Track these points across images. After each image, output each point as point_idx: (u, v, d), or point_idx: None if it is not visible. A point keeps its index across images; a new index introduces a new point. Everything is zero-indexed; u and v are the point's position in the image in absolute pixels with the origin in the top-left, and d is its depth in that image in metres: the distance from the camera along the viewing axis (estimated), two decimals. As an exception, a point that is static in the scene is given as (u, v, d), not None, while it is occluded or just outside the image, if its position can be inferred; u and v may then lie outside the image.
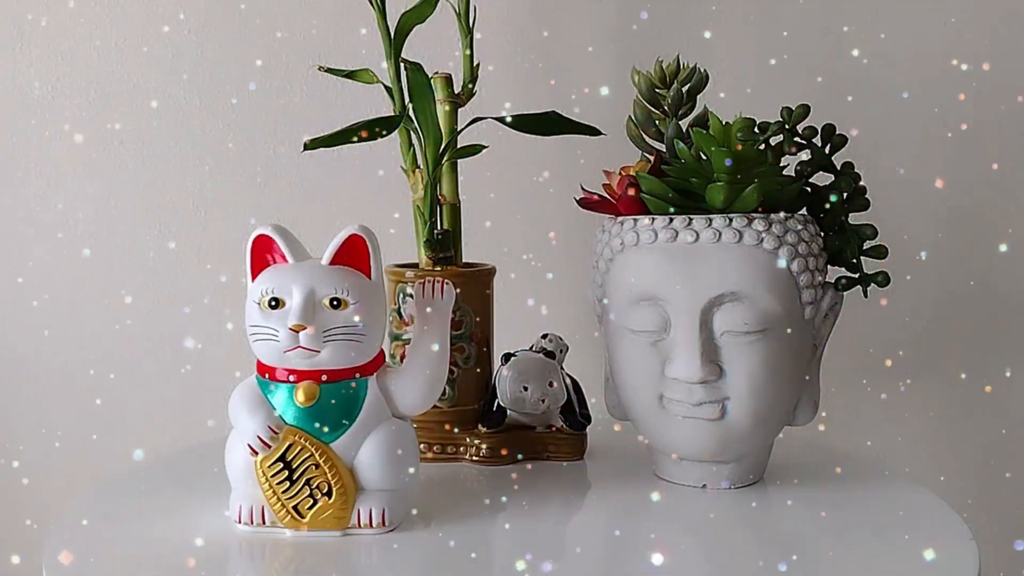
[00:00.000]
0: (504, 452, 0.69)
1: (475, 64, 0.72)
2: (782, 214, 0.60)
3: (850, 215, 0.63)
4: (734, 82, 0.89)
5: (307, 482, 0.54)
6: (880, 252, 0.63)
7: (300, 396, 0.54)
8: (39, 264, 0.92)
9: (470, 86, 0.72)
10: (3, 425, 0.94)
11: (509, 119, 0.71)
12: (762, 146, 0.62)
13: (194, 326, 0.93)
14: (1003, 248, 0.95)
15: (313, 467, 0.54)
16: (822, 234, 0.63)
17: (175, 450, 0.72)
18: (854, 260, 0.63)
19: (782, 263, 0.59)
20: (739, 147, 0.59)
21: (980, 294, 0.95)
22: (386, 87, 0.71)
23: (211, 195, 0.92)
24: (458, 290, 0.62)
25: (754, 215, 0.60)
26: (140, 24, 0.90)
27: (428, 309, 0.59)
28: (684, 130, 0.66)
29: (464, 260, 0.74)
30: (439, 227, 0.72)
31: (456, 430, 0.70)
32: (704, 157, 0.61)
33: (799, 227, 0.61)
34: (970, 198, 0.94)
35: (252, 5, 0.91)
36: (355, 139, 0.68)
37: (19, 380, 0.93)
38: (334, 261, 0.54)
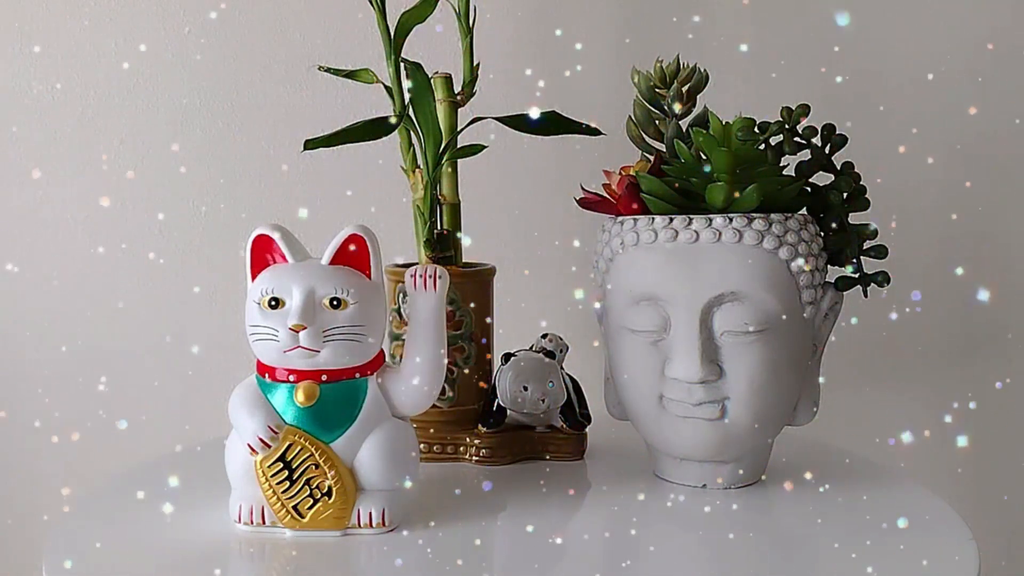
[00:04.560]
0: (504, 452, 0.69)
1: (475, 64, 0.72)
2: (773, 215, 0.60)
3: (850, 215, 0.63)
4: (734, 82, 0.89)
5: (307, 482, 0.54)
6: (880, 252, 0.63)
7: (300, 396, 0.54)
8: (38, 263, 0.92)
9: (470, 86, 0.72)
10: (3, 425, 0.94)
11: (509, 119, 0.71)
12: (762, 146, 0.62)
13: (194, 326, 0.93)
14: (1004, 248, 0.95)
15: (313, 467, 0.54)
16: (822, 234, 0.63)
17: (175, 450, 0.72)
18: (854, 260, 0.63)
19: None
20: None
21: (980, 294, 0.95)
22: (386, 87, 0.71)
23: (211, 194, 0.92)
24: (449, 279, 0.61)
25: (754, 215, 0.60)
26: (140, 24, 0.90)
27: (421, 301, 0.57)
28: (684, 130, 0.66)
29: (464, 260, 0.74)
30: (439, 227, 0.72)
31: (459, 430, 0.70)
32: (704, 157, 0.61)
33: (799, 227, 0.61)
34: (971, 197, 0.94)
35: (252, 5, 0.91)
36: (355, 139, 0.68)
37: (19, 379, 0.93)
38: (334, 261, 0.54)
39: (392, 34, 0.70)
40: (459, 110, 0.72)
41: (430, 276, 0.57)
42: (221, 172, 0.92)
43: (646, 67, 0.68)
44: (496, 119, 0.71)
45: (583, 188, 0.67)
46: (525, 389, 0.68)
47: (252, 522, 0.55)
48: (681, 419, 0.61)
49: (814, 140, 0.63)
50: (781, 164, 0.64)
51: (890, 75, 0.92)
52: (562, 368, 0.70)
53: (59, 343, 0.93)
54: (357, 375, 0.55)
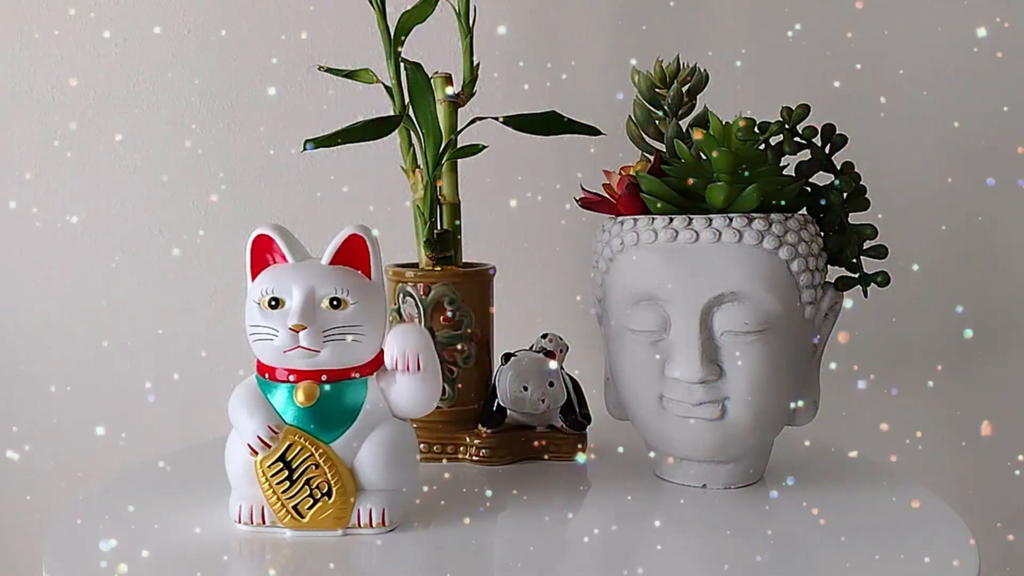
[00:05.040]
0: (503, 451, 0.69)
1: (475, 64, 0.72)
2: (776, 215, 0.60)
3: (850, 215, 0.63)
4: (734, 82, 0.89)
5: (307, 482, 0.54)
6: (880, 252, 0.63)
7: (300, 396, 0.54)
8: (38, 264, 0.92)
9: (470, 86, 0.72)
10: (4, 425, 0.94)
11: (509, 119, 0.71)
12: (762, 146, 0.62)
13: (194, 326, 0.93)
14: (1003, 248, 0.95)
15: (313, 467, 0.54)
16: (822, 234, 0.63)
17: (175, 450, 0.72)
18: (854, 260, 0.63)
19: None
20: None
21: (980, 294, 0.95)
22: (386, 87, 0.72)
23: (211, 195, 0.92)
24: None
25: (754, 215, 0.60)
26: (140, 23, 0.90)
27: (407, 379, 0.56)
28: (684, 130, 0.66)
29: (464, 260, 0.74)
30: (439, 227, 0.72)
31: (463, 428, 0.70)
32: (704, 157, 0.61)
33: (799, 227, 0.61)
34: (970, 197, 0.94)
35: (252, 5, 0.91)
36: (355, 139, 0.68)
37: (19, 379, 0.93)
38: (334, 261, 0.54)
39: (392, 34, 0.70)
40: (459, 110, 0.72)
41: (413, 365, 0.55)
42: (221, 172, 0.92)
43: (646, 67, 0.68)
44: (496, 119, 0.71)
45: (583, 188, 0.67)
46: (525, 389, 0.68)
47: (252, 522, 0.55)
48: (681, 419, 0.61)
49: (814, 140, 0.63)
50: (781, 164, 0.64)
51: (890, 74, 0.92)
52: (562, 368, 0.70)
53: (58, 343, 0.93)
54: (357, 375, 0.55)
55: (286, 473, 0.54)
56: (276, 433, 0.54)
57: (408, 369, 0.55)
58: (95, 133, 0.91)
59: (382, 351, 0.57)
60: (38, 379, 0.93)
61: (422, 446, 0.69)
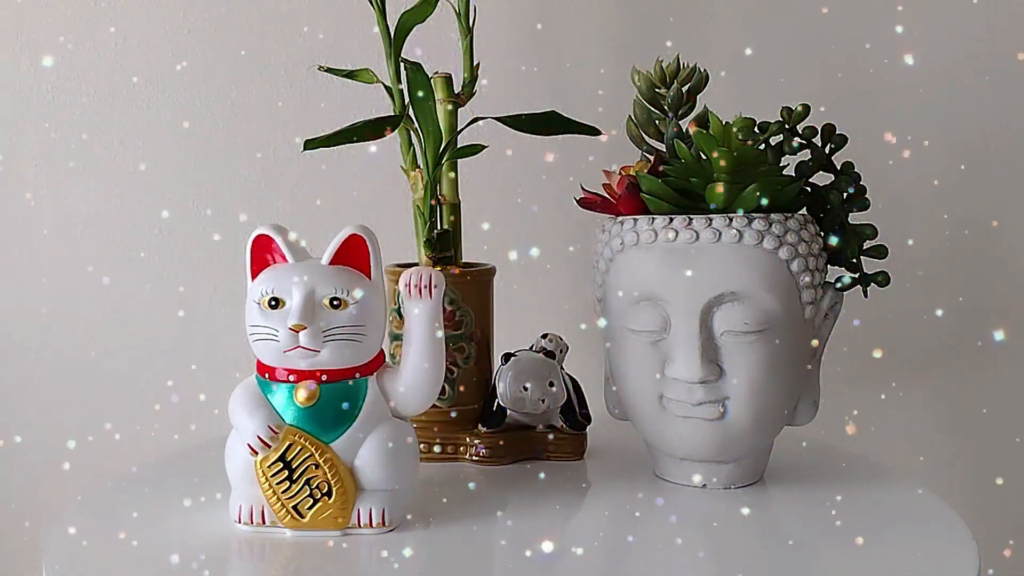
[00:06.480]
0: (503, 449, 0.69)
1: (475, 64, 0.72)
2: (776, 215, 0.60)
3: (850, 215, 0.63)
4: (734, 82, 0.89)
5: (307, 482, 0.54)
6: (880, 252, 0.63)
7: (300, 396, 0.54)
8: (38, 264, 0.92)
9: (470, 86, 0.72)
10: (3, 425, 0.94)
11: (509, 119, 0.71)
12: (762, 146, 0.62)
13: (194, 326, 0.93)
14: (1003, 249, 0.95)
15: (313, 467, 0.54)
16: (822, 234, 0.63)
17: (175, 450, 0.72)
18: (854, 260, 0.63)
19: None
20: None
21: (980, 294, 0.95)
22: (386, 87, 0.72)
23: (211, 195, 0.92)
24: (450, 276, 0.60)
25: (754, 215, 0.60)
26: (139, 23, 0.90)
27: (416, 308, 0.56)
28: (684, 130, 0.66)
29: (464, 260, 0.74)
30: (439, 227, 0.72)
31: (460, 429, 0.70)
32: (704, 157, 0.61)
33: (799, 227, 0.61)
34: (971, 197, 0.94)
35: (252, 4, 0.91)
36: (355, 139, 0.68)
37: (19, 380, 0.93)
38: (334, 261, 0.54)
39: (392, 34, 0.70)
40: (459, 110, 0.72)
41: (424, 285, 0.56)
42: (221, 172, 0.92)
43: (646, 67, 0.68)
44: (496, 119, 0.71)
45: (583, 188, 0.67)
46: (525, 389, 0.68)
47: (252, 522, 0.55)
48: (681, 419, 0.61)
49: (814, 140, 0.63)
50: (781, 164, 0.64)
51: (891, 74, 0.92)
52: (562, 368, 0.70)
53: (58, 343, 0.93)
54: (357, 375, 0.55)
55: (286, 473, 0.54)
56: (276, 433, 0.54)
57: (420, 293, 0.55)
58: (95, 133, 0.91)
59: (382, 351, 0.57)
60: (38, 379, 0.93)
61: (422, 446, 0.69)
